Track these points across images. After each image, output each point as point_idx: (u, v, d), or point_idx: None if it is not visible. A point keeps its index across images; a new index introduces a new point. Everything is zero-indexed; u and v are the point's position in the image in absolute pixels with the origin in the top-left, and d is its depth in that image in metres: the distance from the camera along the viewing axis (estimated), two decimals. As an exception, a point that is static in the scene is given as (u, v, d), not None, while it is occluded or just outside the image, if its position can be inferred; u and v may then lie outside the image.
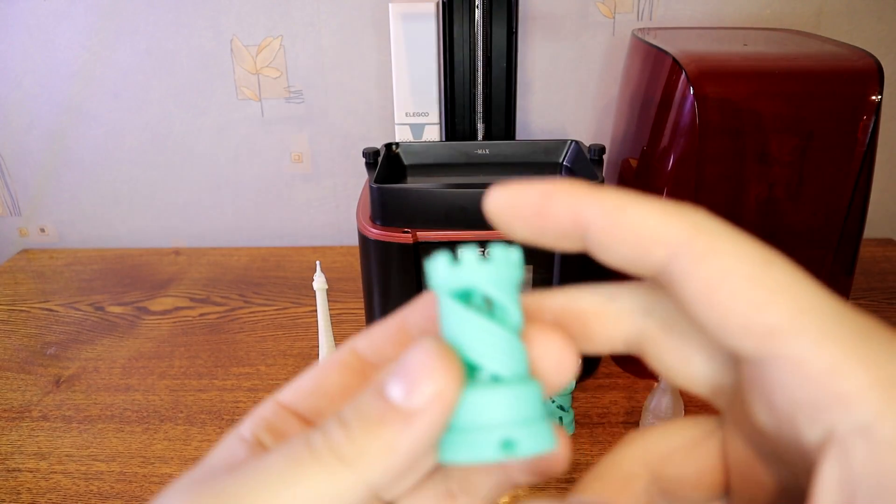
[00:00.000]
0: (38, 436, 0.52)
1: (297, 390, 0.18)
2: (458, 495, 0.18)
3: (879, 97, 0.46)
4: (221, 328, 0.65)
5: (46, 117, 0.79)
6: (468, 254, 0.16)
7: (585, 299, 0.18)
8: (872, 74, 0.47)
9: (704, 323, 0.15)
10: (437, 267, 0.17)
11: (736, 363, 0.16)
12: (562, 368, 0.17)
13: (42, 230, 0.86)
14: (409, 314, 0.19)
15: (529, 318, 0.17)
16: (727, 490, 0.18)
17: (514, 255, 0.17)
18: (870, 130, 0.47)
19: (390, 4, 0.63)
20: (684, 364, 0.17)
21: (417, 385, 0.15)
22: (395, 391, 0.15)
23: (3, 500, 0.46)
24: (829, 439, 0.13)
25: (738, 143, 0.49)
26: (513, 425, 0.15)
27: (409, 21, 0.63)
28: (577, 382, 0.51)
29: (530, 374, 0.17)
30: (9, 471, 0.48)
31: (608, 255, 0.16)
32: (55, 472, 0.48)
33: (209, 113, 0.78)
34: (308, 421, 0.18)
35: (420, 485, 0.17)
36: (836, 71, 0.48)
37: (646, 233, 0.15)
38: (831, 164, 0.48)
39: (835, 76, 0.48)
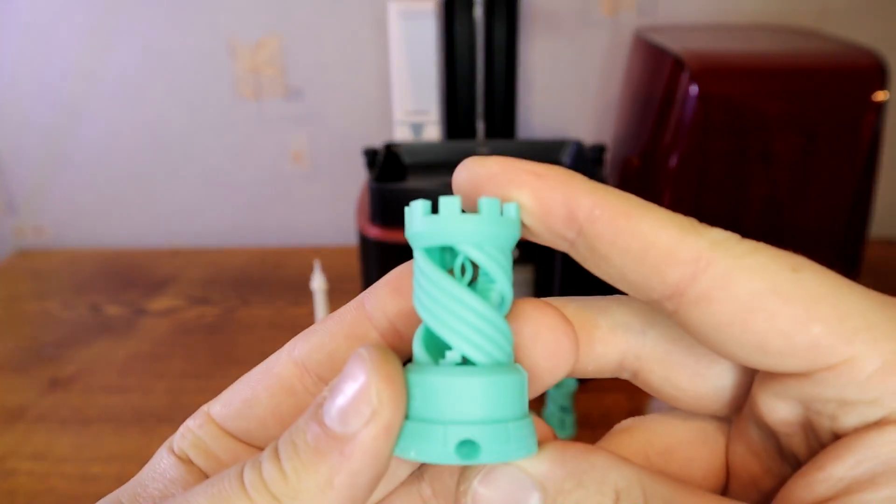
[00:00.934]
0: (34, 437, 0.51)
1: (227, 406, 0.16)
2: (430, 500, 0.16)
3: (886, 96, 0.46)
4: (219, 328, 0.65)
5: (43, 116, 0.78)
6: (450, 203, 0.13)
7: (570, 312, 0.15)
8: (877, 73, 0.46)
9: (732, 348, 0.13)
10: (413, 216, 0.14)
11: (749, 371, 0.15)
12: (557, 355, 0.14)
13: (38, 230, 0.85)
14: (368, 298, 0.16)
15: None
16: (725, 494, 0.17)
17: (512, 211, 0.14)
18: (874, 129, 0.47)
19: (390, 3, 0.63)
20: (692, 384, 0.16)
21: (353, 406, 0.12)
22: (331, 414, 0.12)
23: (-1, 503, 0.45)
24: (882, 422, 0.12)
25: (741, 141, 0.48)
26: (475, 423, 0.13)
27: (408, 19, 0.63)
28: (579, 382, 0.50)
29: (513, 361, 0.14)
30: (4, 473, 0.48)
31: (603, 266, 0.14)
32: (51, 474, 0.48)
33: (207, 112, 0.77)
34: (238, 439, 0.16)
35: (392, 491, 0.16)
36: (841, 69, 0.48)
37: (660, 249, 0.13)
38: (835, 164, 0.48)
39: (839, 75, 0.47)
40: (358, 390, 0.12)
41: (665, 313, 0.14)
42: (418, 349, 0.14)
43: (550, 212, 0.13)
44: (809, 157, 0.48)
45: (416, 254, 0.14)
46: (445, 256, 0.15)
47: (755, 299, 0.13)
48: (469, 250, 0.13)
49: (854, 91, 0.47)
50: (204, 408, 0.17)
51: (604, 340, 0.15)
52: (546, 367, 0.14)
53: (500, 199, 0.14)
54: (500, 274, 0.14)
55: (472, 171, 0.14)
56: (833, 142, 0.48)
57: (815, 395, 0.13)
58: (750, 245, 0.13)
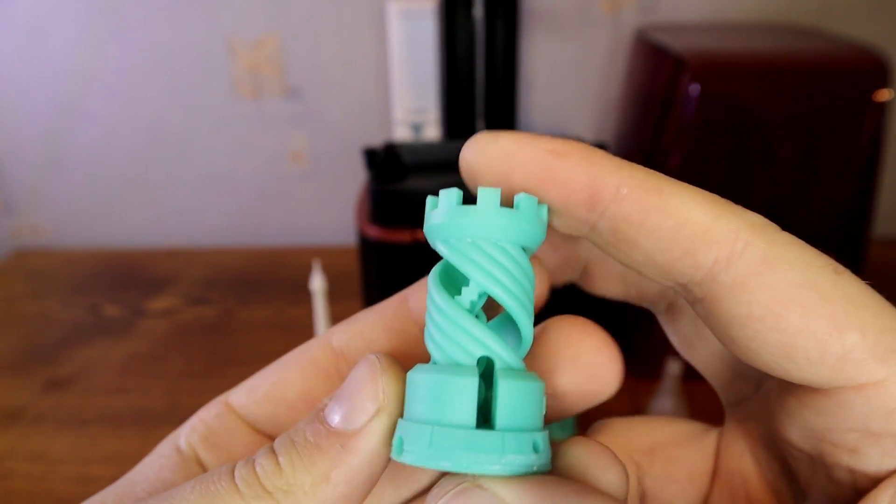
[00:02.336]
0: (31, 438, 0.51)
1: (251, 392, 0.16)
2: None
3: (889, 95, 0.46)
4: (218, 329, 0.64)
5: (41, 115, 0.78)
6: (487, 196, 0.12)
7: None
8: (880, 72, 0.46)
9: (755, 346, 0.12)
10: (439, 207, 0.13)
11: (764, 379, 0.14)
12: (599, 379, 0.13)
13: (36, 230, 0.85)
14: (412, 294, 0.16)
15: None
16: (706, 500, 0.16)
17: (543, 213, 0.12)
18: (877, 128, 0.47)
19: (390, 2, 0.63)
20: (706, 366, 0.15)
21: (357, 403, 0.12)
22: (335, 413, 0.12)
23: (-4, 505, 0.45)
24: None
25: (743, 141, 0.48)
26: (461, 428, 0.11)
27: (408, 18, 0.63)
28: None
29: (523, 365, 0.12)
30: (2, 474, 0.47)
31: (627, 250, 0.12)
32: (49, 476, 0.47)
33: (206, 111, 0.77)
34: (259, 432, 0.16)
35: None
36: (843, 68, 0.47)
37: (694, 227, 0.12)
38: (838, 163, 0.48)
39: (841, 74, 0.47)
40: (364, 389, 0.12)
41: (689, 300, 0.13)
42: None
43: (573, 194, 0.12)
44: (811, 156, 0.48)
45: (429, 281, 0.13)
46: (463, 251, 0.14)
47: (794, 292, 0.11)
48: (496, 254, 0.12)
49: (857, 90, 0.47)
50: (221, 397, 0.16)
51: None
52: (586, 391, 0.13)
53: (534, 197, 0.12)
54: (518, 309, 0.12)
55: (482, 149, 0.13)
56: (835, 141, 0.48)
57: (834, 421, 0.12)
58: (789, 236, 0.12)
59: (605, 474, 0.12)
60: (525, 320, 0.12)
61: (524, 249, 0.12)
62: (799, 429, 0.12)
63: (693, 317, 0.14)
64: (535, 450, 0.12)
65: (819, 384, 0.12)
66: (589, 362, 0.13)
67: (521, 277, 0.12)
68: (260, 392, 0.16)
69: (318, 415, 0.13)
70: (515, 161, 0.12)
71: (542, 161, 0.12)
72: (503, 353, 0.12)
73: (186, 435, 0.16)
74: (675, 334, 0.15)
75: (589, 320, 0.13)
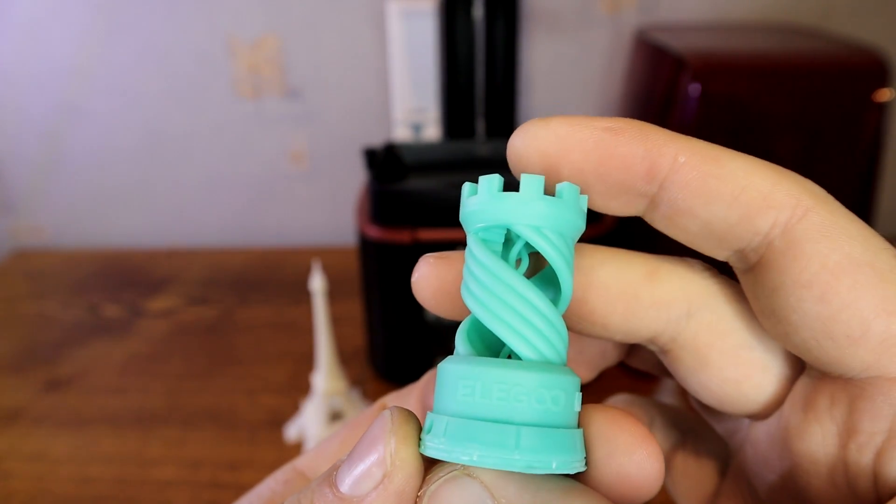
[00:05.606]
0: (31, 439, 0.51)
1: (319, 455, 0.16)
2: None
3: (890, 95, 0.46)
4: (218, 329, 0.64)
5: (40, 115, 0.78)
6: (532, 182, 0.12)
7: (608, 274, 0.13)
8: (880, 72, 0.46)
9: (797, 319, 0.11)
10: (479, 193, 0.12)
11: (785, 387, 0.13)
12: (635, 482, 0.12)
13: (36, 230, 0.85)
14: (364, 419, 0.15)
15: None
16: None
17: (584, 202, 0.12)
18: (878, 128, 0.47)
19: (390, 2, 0.62)
20: (721, 387, 0.13)
21: (365, 469, 0.11)
22: (345, 476, 0.12)
23: (-5, 505, 0.45)
24: None
25: (743, 141, 0.48)
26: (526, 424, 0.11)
27: (408, 18, 0.63)
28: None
29: (565, 362, 0.12)
30: (1, 475, 0.47)
31: (683, 222, 0.12)
32: (49, 476, 0.47)
33: (205, 111, 0.77)
34: None
35: None
36: (844, 68, 0.47)
37: (754, 192, 0.11)
38: (838, 163, 0.48)
39: (842, 74, 0.47)
40: (373, 452, 0.12)
41: (743, 268, 0.12)
42: (461, 344, 0.13)
43: (632, 168, 0.12)
44: (811, 156, 0.48)
45: (470, 238, 0.12)
46: (495, 235, 0.13)
47: (848, 265, 0.11)
48: (531, 235, 0.12)
49: (857, 90, 0.47)
50: (290, 464, 0.16)
51: (640, 315, 0.13)
52: (620, 495, 0.12)
53: (577, 186, 0.12)
54: (564, 268, 0.12)
55: (534, 134, 0.12)
56: (836, 141, 0.47)
57: (863, 420, 0.11)
58: (848, 212, 0.12)
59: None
60: (566, 273, 0.12)
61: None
62: (823, 436, 0.12)
63: (694, 350, 0.14)
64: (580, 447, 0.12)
65: (855, 370, 0.11)
66: (623, 463, 0.12)
67: (563, 245, 0.12)
68: (329, 452, 0.15)
69: (329, 477, 0.12)
70: (571, 142, 0.12)
71: (599, 139, 0.12)
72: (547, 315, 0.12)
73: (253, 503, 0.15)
74: (680, 367, 0.15)
75: (625, 412, 0.12)
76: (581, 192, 0.12)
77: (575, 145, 0.12)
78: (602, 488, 0.12)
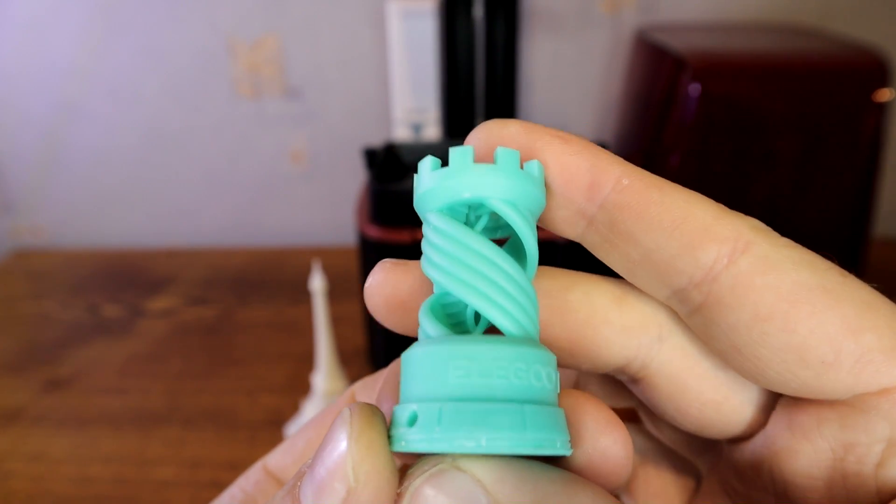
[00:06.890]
0: (30, 439, 0.51)
1: (287, 452, 0.15)
2: None
3: (889, 95, 0.46)
4: (218, 329, 0.64)
5: (40, 115, 0.78)
6: (462, 153, 0.11)
7: (576, 299, 0.13)
8: (880, 72, 0.46)
9: (764, 354, 0.11)
10: (423, 173, 0.12)
11: (768, 408, 0.13)
12: (605, 464, 0.11)
13: (35, 229, 0.85)
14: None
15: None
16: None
17: (534, 170, 0.12)
18: (877, 128, 0.47)
19: (389, 2, 0.62)
20: (700, 412, 0.13)
21: (328, 481, 0.10)
22: (307, 488, 0.11)
23: (-5, 505, 0.45)
24: None
25: (743, 141, 0.48)
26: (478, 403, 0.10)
27: (408, 18, 0.63)
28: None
29: (538, 337, 0.12)
30: (1, 475, 0.47)
31: (623, 247, 0.12)
32: (48, 476, 0.47)
33: (205, 111, 0.77)
34: None
35: None
36: (843, 68, 0.47)
37: (695, 223, 0.11)
38: (838, 163, 0.48)
39: (842, 74, 0.47)
40: (335, 462, 0.10)
41: (687, 310, 0.12)
42: (432, 325, 0.12)
43: (574, 178, 0.12)
44: (812, 156, 0.48)
45: (432, 216, 0.12)
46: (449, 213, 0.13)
47: (801, 292, 0.11)
48: (498, 205, 0.11)
49: (857, 90, 0.47)
50: (260, 462, 0.15)
51: (610, 341, 0.13)
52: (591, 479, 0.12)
53: (520, 154, 0.12)
54: (531, 239, 0.11)
55: (491, 132, 0.12)
56: (836, 141, 0.47)
57: (859, 434, 0.11)
58: (791, 241, 0.12)
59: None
60: (530, 237, 0.12)
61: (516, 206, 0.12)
62: (816, 452, 0.12)
63: (670, 376, 0.13)
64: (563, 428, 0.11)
65: (839, 393, 0.11)
66: (594, 447, 0.11)
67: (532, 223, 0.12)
68: (297, 450, 0.15)
69: (293, 490, 0.11)
70: (521, 143, 0.12)
71: (548, 142, 0.12)
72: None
73: None
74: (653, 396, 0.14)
75: (593, 396, 0.12)
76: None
77: (524, 146, 0.12)
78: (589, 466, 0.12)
